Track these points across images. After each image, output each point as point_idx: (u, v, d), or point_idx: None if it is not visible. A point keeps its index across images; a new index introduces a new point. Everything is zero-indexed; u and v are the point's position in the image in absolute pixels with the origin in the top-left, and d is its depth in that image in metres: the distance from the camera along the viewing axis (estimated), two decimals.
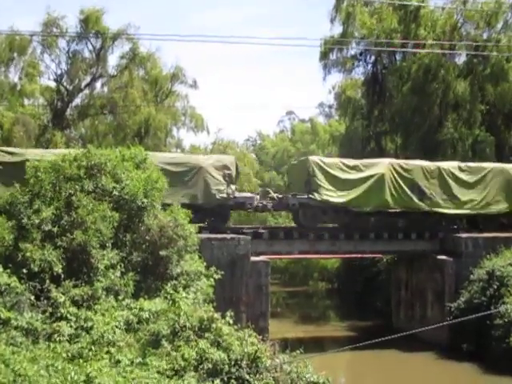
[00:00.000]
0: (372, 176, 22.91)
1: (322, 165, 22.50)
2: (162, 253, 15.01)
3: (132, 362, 11.65)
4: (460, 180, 24.11)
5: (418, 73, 32.84)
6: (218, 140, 50.96)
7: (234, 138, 55.56)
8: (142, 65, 39.72)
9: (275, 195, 22.90)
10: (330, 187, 22.34)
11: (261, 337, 13.42)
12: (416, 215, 23.99)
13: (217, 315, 13.21)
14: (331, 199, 22.29)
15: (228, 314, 13.52)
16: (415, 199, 23.35)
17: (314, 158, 23.22)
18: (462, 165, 24.68)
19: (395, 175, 23.20)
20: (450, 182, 23.92)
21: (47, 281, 13.14)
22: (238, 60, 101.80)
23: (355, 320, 28.49)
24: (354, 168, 22.88)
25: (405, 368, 20.38)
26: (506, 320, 19.15)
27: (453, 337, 21.29)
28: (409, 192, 23.27)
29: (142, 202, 15.27)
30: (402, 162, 24.31)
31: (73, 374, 10.59)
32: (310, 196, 22.14)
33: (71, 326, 12.42)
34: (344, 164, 22.93)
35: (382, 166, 23.30)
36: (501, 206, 24.61)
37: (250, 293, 19.58)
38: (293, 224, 26.17)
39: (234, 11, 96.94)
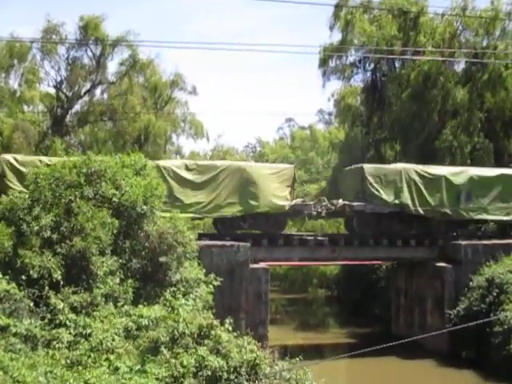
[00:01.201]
0: None
1: (15, 164, 19.48)
2: (162, 259, 15.02)
3: (131, 369, 11.65)
4: (184, 180, 21.33)
5: (417, 80, 32.88)
6: (218, 146, 50.94)
7: (233, 144, 55.62)
8: (142, 71, 39.71)
9: None
10: (22, 188, 18.28)
11: (260, 344, 13.40)
12: None
13: (216, 322, 13.22)
14: None
15: (227, 321, 13.51)
16: None
17: (6, 157, 20.02)
18: (190, 163, 22.12)
19: None
20: (172, 182, 21.01)
21: (46, 287, 13.14)
22: (236, 66, 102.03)
23: (355, 327, 28.41)
24: None
25: (404, 375, 20.32)
26: (506, 327, 19.08)
27: (452, 344, 21.24)
28: None
29: (142, 209, 15.29)
30: None
31: (72, 380, 10.65)
32: None
33: (70, 333, 12.44)
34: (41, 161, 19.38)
35: None
36: (234, 209, 21.78)
37: (249, 300, 19.54)
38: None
39: (236, 18, 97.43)
